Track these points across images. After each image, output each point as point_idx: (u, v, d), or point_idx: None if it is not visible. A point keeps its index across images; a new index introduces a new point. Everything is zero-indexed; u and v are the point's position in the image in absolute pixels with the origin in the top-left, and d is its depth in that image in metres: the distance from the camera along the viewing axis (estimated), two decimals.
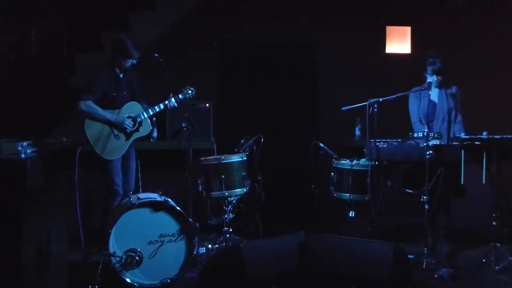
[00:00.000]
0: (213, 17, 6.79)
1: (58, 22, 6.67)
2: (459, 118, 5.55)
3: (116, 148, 5.37)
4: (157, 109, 5.45)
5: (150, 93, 5.70)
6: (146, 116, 5.44)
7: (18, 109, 6.28)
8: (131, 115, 5.41)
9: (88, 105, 5.28)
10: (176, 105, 5.47)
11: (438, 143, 5.17)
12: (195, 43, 6.72)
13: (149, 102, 5.55)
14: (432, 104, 5.59)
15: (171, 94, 5.44)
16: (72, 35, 6.66)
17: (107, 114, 5.33)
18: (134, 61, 5.43)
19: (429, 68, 5.51)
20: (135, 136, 5.44)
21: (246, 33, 6.83)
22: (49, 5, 6.63)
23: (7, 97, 6.30)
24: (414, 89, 5.57)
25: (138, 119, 5.42)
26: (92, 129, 5.29)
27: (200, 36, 6.75)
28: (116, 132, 5.36)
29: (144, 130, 5.48)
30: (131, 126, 5.38)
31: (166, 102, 5.43)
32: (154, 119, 6.16)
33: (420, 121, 5.61)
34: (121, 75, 5.49)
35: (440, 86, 5.56)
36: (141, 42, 6.09)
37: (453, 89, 5.56)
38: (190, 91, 5.57)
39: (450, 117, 5.53)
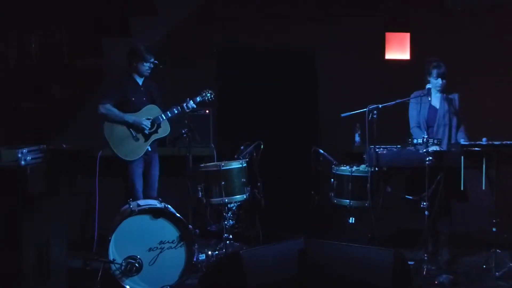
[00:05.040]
0: (213, 23, 6.79)
1: (58, 28, 6.68)
2: (463, 127, 5.50)
3: (135, 149, 5.40)
4: (175, 111, 5.48)
5: None
6: (164, 118, 5.48)
7: (19, 115, 6.29)
8: (150, 117, 5.46)
9: (107, 108, 5.37)
10: (195, 106, 5.54)
11: (437, 149, 5.17)
12: (195, 49, 6.72)
13: None
14: (433, 109, 5.54)
15: (188, 98, 5.49)
16: (73, 41, 6.67)
17: (126, 116, 5.39)
18: (151, 65, 5.47)
19: (434, 72, 5.44)
20: (154, 137, 5.49)
21: (246, 39, 6.83)
22: (49, 11, 6.64)
23: (7, 103, 6.31)
24: (415, 93, 5.55)
25: (157, 121, 5.47)
26: (111, 131, 5.36)
27: (199, 42, 6.75)
28: (134, 133, 5.41)
29: (162, 132, 5.53)
30: (149, 127, 5.43)
31: (184, 104, 5.47)
32: None
33: (419, 126, 5.57)
34: (140, 82, 5.56)
35: (443, 90, 5.54)
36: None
37: (455, 96, 5.54)
38: (208, 94, 5.62)
39: (451, 123, 5.50)
